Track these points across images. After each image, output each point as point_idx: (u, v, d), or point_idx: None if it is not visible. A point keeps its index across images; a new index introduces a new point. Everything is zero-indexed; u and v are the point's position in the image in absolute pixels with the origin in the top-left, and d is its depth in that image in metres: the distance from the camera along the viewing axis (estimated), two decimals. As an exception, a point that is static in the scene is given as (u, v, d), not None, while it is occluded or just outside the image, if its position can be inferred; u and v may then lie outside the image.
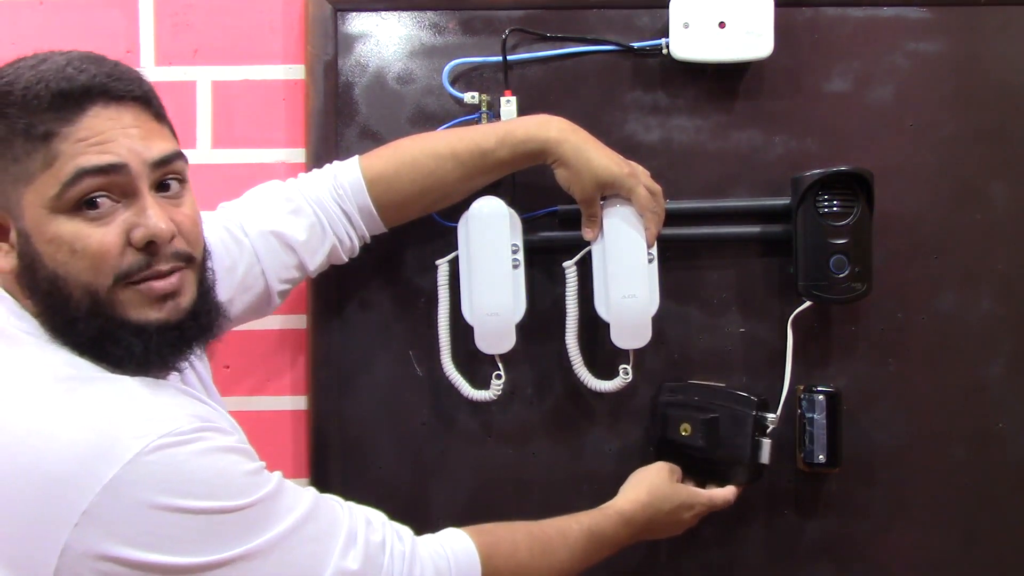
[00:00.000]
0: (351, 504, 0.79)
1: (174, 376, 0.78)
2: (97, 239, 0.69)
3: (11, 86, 0.69)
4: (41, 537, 0.63)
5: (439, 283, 1.06)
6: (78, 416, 0.66)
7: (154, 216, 0.71)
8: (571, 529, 0.91)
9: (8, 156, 0.69)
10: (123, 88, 0.71)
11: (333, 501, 0.78)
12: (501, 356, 1.07)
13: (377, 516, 0.80)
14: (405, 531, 0.81)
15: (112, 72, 0.71)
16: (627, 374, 1.07)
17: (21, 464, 0.64)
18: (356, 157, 0.99)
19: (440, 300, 1.06)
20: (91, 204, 0.69)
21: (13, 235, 0.71)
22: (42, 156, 0.68)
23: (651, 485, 0.99)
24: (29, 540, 0.64)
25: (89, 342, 0.71)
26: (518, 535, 0.87)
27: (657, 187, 1.01)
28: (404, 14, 1.09)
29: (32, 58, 0.72)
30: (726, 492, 1.02)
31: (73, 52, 0.72)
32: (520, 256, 1.04)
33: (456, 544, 0.82)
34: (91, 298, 0.70)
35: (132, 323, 0.71)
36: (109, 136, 0.70)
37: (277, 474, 0.73)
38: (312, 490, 0.76)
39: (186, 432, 0.67)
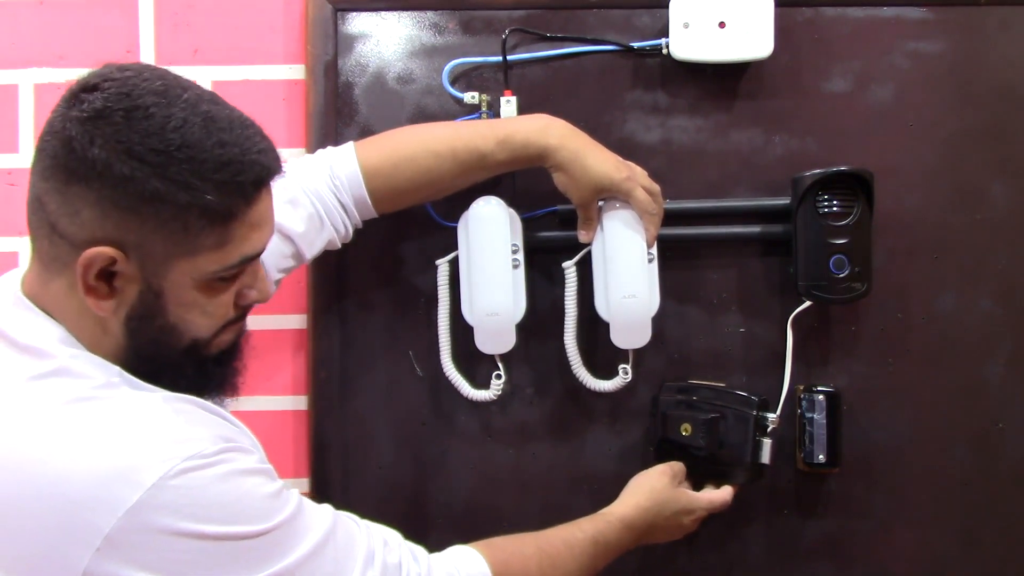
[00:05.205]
0: (368, 523, 0.79)
1: None
2: (224, 302, 0.73)
3: (191, 150, 0.66)
4: (62, 561, 0.63)
5: (439, 283, 1.06)
6: (99, 437, 0.65)
7: (264, 282, 0.77)
8: (576, 539, 0.91)
9: (175, 224, 0.67)
10: (280, 167, 0.73)
11: (350, 520, 0.77)
12: (501, 356, 1.07)
13: (393, 536, 0.79)
14: (420, 551, 0.80)
15: (273, 149, 0.72)
16: (626, 374, 1.07)
17: (42, 486, 0.63)
18: (351, 145, 0.98)
19: (440, 300, 1.06)
20: (231, 277, 0.73)
21: (133, 287, 0.69)
22: (216, 236, 0.69)
23: (651, 490, 0.98)
24: (49, 564, 0.63)
25: (173, 374, 0.73)
26: (527, 550, 0.87)
27: (656, 187, 1.01)
28: (404, 14, 1.09)
29: (184, 105, 0.67)
30: (724, 494, 1.01)
31: (233, 110, 0.71)
32: (520, 256, 1.04)
33: (470, 565, 0.82)
34: (193, 344, 0.73)
35: (214, 355, 0.76)
36: (267, 218, 0.73)
37: (295, 492, 0.73)
38: (329, 508, 0.76)
39: (209, 455, 0.66)
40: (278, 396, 1.13)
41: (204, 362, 0.75)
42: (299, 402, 1.12)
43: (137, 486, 0.63)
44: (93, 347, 0.71)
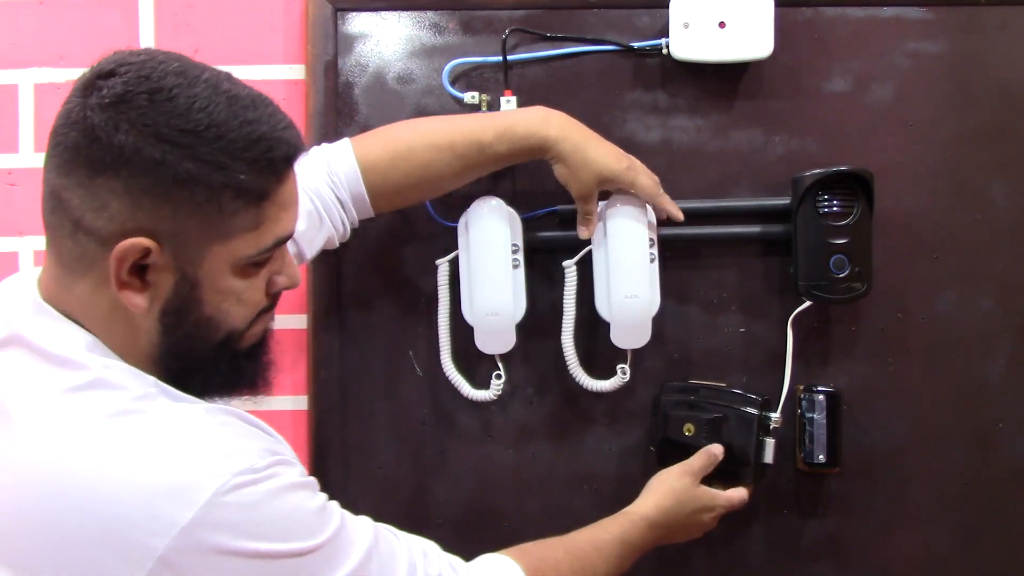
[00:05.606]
0: (405, 534, 0.77)
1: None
2: (257, 288, 0.72)
3: (220, 129, 0.64)
4: None
5: (439, 283, 1.06)
6: (147, 453, 0.63)
7: (292, 266, 0.74)
8: (603, 540, 0.91)
9: (210, 207, 0.65)
10: (303, 145, 0.71)
11: (388, 532, 0.76)
12: (501, 356, 1.07)
13: (432, 547, 0.78)
14: (458, 562, 0.79)
15: (295, 126, 0.71)
16: (624, 374, 1.07)
17: (90, 504, 0.61)
18: (347, 141, 0.97)
19: (440, 300, 1.06)
20: (263, 261, 0.71)
21: (168, 279, 0.67)
22: (251, 217, 0.67)
23: (672, 490, 0.97)
24: None
25: (208, 370, 0.71)
26: (558, 554, 0.86)
27: (655, 178, 1.02)
28: (404, 14, 1.09)
29: (205, 85, 0.65)
30: (741, 493, 1.01)
31: (251, 89, 0.69)
32: (520, 256, 1.04)
33: (507, 574, 0.81)
34: (228, 336, 0.71)
35: (246, 349, 0.74)
36: (296, 198, 0.72)
37: (336, 505, 0.72)
38: (369, 521, 0.75)
39: (260, 469, 0.64)
40: (278, 396, 1.12)
41: (237, 356, 0.73)
42: (299, 402, 1.12)
43: (190, 504, 0.61)
44: (123, 350, 0.68)
